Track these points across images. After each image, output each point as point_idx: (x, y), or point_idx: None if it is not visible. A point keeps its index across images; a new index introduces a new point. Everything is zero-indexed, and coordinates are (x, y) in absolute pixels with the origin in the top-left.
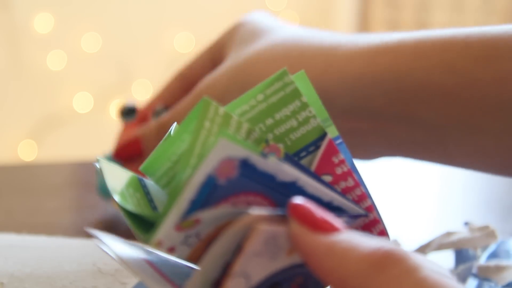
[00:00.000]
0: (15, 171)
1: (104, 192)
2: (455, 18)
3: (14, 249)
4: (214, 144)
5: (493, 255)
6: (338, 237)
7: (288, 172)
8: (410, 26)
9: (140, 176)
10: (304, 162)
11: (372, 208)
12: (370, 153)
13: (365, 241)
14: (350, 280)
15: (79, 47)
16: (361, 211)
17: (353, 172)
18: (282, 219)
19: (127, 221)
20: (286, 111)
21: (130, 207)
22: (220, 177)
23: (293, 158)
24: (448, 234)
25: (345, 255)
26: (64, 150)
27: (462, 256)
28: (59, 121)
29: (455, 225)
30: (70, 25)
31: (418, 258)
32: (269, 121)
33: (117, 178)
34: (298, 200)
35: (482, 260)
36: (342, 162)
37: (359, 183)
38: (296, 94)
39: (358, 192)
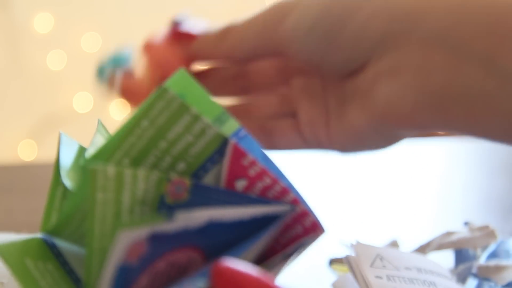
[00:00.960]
0: (15, 171)
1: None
2: None
3: None
4: (114, 238)
5: (493, 255)
6: None
7: (199, 216)
8: None
9: (46, 238)
10: (212, 174)
11: (297, 200)
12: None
13: None
14: None
15: (79, 47)
16: (285, 208)
17: (267, 169)
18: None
19: None
20: (178, 128)
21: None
22: (131, 259)
23: (201, 186)
24: (448, 234)
25: None
26: None
27: (462, 256)
28: (59, 121)
29: (455, 225)
30: (70, 25)
31: None
32: (163, 144)
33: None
34: (222, 264)
35: (482, 260)
36: (253, 163)
37: (277, 179)
38: (183, 108)
39: (277, 188)
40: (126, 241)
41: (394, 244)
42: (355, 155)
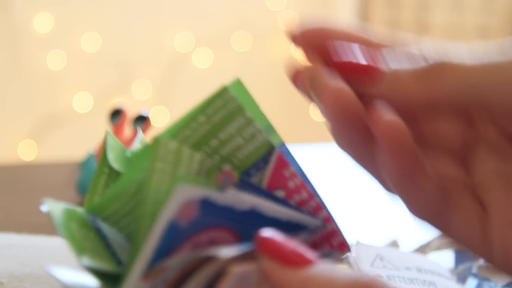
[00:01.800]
0: (15, 171)
1: (82, 189)
2: (455, 18)
3: (14, 249)
4: (173, 190)
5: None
6: (311, 271)
7: (245, 200)
8: (410, 26)
9: (92, 219)
10: (254, 179)
11: (329, 219)
12: None
13: (340, 274)
14: None
15: (79, 47)
16: (318, 223)
17: (305, 183)
18: (251, 255)
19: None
20: (231, 129)
21: (97, 265)
22: (181, 221)
23: (247, 182)
24: None
25: None
26: (64, 150)
27: (462, 256)
28: (59, 121)
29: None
30: (70, 25)
31: None
32: (214, 142)
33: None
34: (266, 233)
35: (482, 260)
36: (293, 175)
37: (313, 194)
38: (239, 110)
39: (313, 204)
40: (182, 197)
41: (394, 244)
42: None
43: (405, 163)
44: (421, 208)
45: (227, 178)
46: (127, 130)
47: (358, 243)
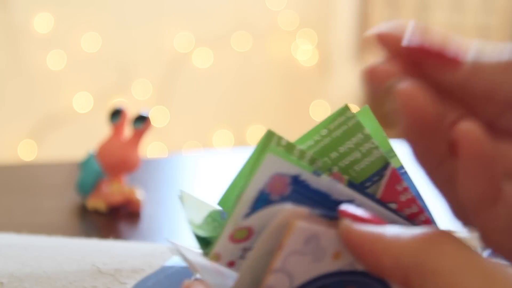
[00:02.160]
0: (15, 171)
1: (82, 189)
2: (455, 18)
3: (14, 249)
4: (263, 160)
5: (493, 254)
6: (386, 227)
7: (343, 191)
8: None
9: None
10: (369, 191)
11: None
12: None
13: (409, 230)
14: (403, 257)
15: (79, 47)
16: None
17: (417, 199)
18: (323, 221)
19: (199, 245)
20: (350, 144)
21: (204, 233)
22: (273, 193)
23: (357, 185)
24: None
25: (396, 237)
26: (64, 150)
27: None
28: (59, 121)
29: (455, 225)
30: (70, 25)
31: (468, 243)
32: (334, 154)
33: (197, 210)
34: (347, 206)
35: None
36: (405, 189)
37: (423, 209)
38: (358, 127)
39: (422, 218)
40: (272, 167)
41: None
42: None
43: (488, 182)
44: (501, 238)
45: (336, 179)
46: (127, 130)
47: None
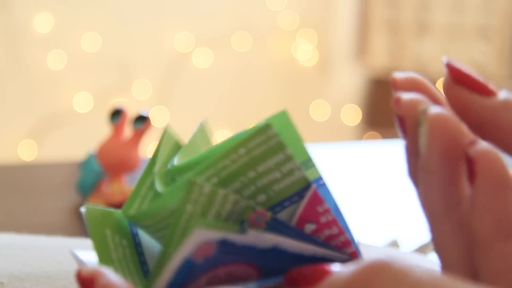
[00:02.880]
0: (15, 171)
1: (82, 189)
2: (455, 18)
3: (14, 249)
4: (190, 232)
5: None
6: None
7: (267, 239)
8: (410, 26)
9: (132, 227)
10: (286, 211)
11: (356, 254)
12: None
13: (344, 270)
14: None
15: (79, 47)
16: (345, 257)
17: (337, 220)
18: None
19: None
20: (270, 163)
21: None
22: (197, 258)
23: (278, 221)
24: None
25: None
26: (64, 150)
27: None
28: (59, 121)
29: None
30: (70, 25)
31: (404, 264)
32: (252, 174)
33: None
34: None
35: None
36: (326, 211)
37: (343, 230)
38: (280, 147)
39: (342, 239)
40: (199, 238)
41: (394, 244)
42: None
43: (506, 210)
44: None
45: (259, 216)
46: (127, 130)
47: (358, 243)
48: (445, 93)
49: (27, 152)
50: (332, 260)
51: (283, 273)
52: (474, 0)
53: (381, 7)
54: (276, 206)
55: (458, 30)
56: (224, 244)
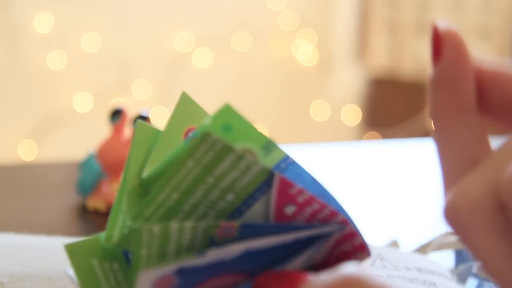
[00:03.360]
0: (15, 171)
1: (82, 189)
2: (455, 18)
3: (14, 249)
4: (137, 277)
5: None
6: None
7: (234, 249)
8: (410, 26)
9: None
10: (260, 202)
11: (346, 221)
12: None
13: (321, 278)
14: None
15: (79, 47)
16: (333, 227)
17: (315, 195)
18: None
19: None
20: (224, 166)
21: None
22: None
23: (249, 225)
24: (448, 234)
25: None
26: (64, 150)
27: (462, 256)
28: (59, 121)
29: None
30: (70, 25)
31: (377, 280)
32: (210, 180)
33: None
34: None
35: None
36: (300, 191)
37: (325, 203)
38: (226, 150)
39: (326, 211)
40: (147, 280)
41: (394, 244)
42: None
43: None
44: None
45: (227, 229)
46: (127, 130)
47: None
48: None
49: (27, 152)
50: (323, 235)
51: (274, 264)
52: (474, 0)
53: (381, 7)
54: (248, 200)
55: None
56: (184, 272)
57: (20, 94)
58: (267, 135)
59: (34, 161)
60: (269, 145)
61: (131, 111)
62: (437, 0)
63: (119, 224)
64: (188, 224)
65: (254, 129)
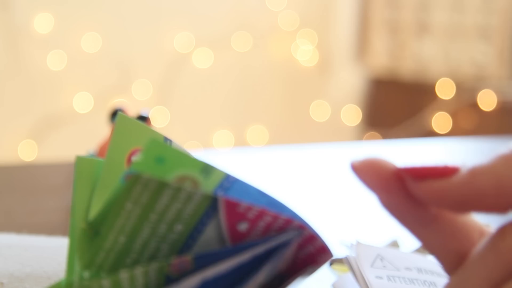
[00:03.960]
0: (15, 171)
1: None
2: (455, 18)
3: (14, 249)
4: None
5: None
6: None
7: (190, 282)
8: (410, 26)
9: None
10: (211, 226)
11: (303, 226)
12: None
13: None
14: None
15: (79, 47)
16: (290, 234)
17: (265, 208)
18: None
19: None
20: (164, 201)
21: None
22: None
23: (203, 255)
24: None
25: None
26: (64, 150)
27: None
28: (59, 121)
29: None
30: (70, 25)
31: None
32: (153, 217)
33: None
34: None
35: None
36: (249, 208)
37: (277, 214)
38: (162, 186)
39: (280, 221)
40: None
41: (394, 244)
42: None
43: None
44: None
45: (181, 264)
46: None
47: (358, 243)
48: (417, 194)
49: (27, 152)
50: (281, 245)
51: (236, 283)
52: (474, 0)
53: (381, 7)
54: (197, 226)
55: (458, 30)
56: None
57: (20, 94)
58: (201, 159)
59: (34, 161)
60: (206, 168)
61: (131, 111)
62: (437, 0)
63: (77, 270)
64: (139, 270)
65: (187, 156)
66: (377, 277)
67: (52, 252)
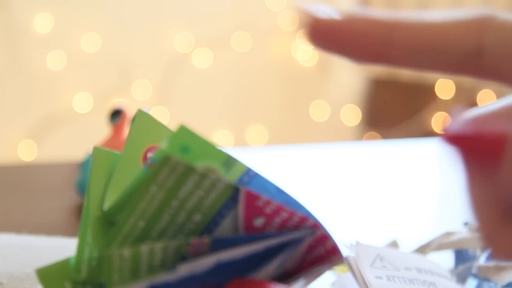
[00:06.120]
0: (15, 171)
1: (82, 189)
2: None
3: (14, 249)
4: None
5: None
6: None
7: (205, 262)
8: None
9: None
10: (229, 218)
11: (317, 225)
12: None
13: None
14: None
15: (79, 47)
16: (304, 232)
17: (282, 204)
18: None
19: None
20: (187, 187)
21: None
22: None
23: (219, 239)
24: (448, 234)
25: None
26: (64, 150)
27: (462, 256)
28: (59, 121)
29: (455, 225)
30: (69, 25)
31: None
32: (175, 203)
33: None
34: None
35: (482, 260)
36: (267, 202)
37: (293, 211)
38: (189, 170)
39: (296, 219)
40: None
41: (394, 244)
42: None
43: None
44: None
45: (198, 245)
46: (127, 130)
47: (358, 243)
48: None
49: (27, 152)
50: (294, 241)
51: (245, 273)
52: (474, 0)
53: (381, 7)
54: (215, 217)
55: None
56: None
57: (20, 94)
58: (226, 151)
59: (34, 161)
60: (229, 161)
61: (131, 111)
62: (437, 0)
63: (86, 257)
64: (159, 245)
65: (212, 147)
66: (377, 277)
67: (52, 252)
